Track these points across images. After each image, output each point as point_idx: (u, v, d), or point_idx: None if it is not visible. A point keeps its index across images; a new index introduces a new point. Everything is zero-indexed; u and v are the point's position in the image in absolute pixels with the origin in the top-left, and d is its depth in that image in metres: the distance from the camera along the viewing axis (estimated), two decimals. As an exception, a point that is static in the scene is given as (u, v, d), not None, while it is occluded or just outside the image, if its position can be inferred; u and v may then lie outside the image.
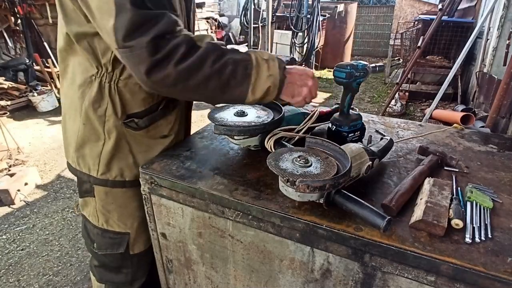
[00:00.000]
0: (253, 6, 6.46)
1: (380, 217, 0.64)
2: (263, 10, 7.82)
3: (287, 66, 0.89)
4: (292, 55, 6.23)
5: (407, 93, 5.31)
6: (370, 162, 0.83)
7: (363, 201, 0.69)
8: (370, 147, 0.88)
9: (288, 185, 0.73)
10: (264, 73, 0.83)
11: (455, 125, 1.24)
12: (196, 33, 0.84)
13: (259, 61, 0.83)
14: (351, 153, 0.80)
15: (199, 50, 0.77)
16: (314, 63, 7.30)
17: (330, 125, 1.04)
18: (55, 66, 5.25)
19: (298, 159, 0.75)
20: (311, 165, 0.75)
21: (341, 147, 0.81)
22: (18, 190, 2.69)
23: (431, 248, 0.64)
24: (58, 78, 4.15)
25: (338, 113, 1.03)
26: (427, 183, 0.81)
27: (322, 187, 0.66)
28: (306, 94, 0.91)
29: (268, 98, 0.87)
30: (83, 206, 1.08)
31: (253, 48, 6.42)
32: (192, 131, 1.23)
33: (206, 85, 0.79)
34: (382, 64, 1.08)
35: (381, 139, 0.99)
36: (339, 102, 1.02)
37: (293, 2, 6.22)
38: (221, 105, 1.02)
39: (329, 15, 7.51)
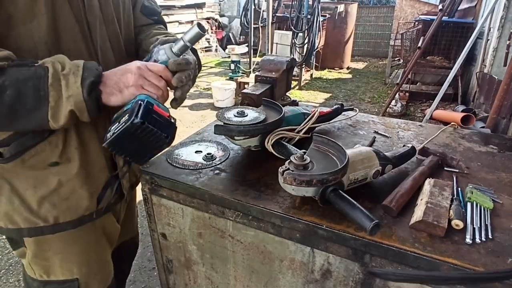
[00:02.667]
0: (253, 7, 6.46)
1: (368, 219, 0.64)
2: (263, 11, 7.83)
3: (104, 73, 0.74)
4: (292, 56, 6.24)
5: (407, 94, 5.31)
6: (380, 167, 0.82)
7: (355, 202, 0.68)
8: (385, 153, 0.87)
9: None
10: (63, 93, 0.67)
11: (452, 123, 1.24)
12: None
13: (57, 77, 0.67)
14: (359, 156, 0.79)
15: None
16: (314, 63, 7.30)
17: None
18: None
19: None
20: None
21: (351, 149, 0.80)
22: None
23: (431, 248, 0.64)
24: None
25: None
26: (428, 184, 0.81)
27: (309, 181, 0.68)
28: (139, 85, 0.75)
29: (82, 119, 0.72)
30: (21, 254, 0.93)
31: (253, 49, 6.43)
32: (192, 131, 1.23)
33: None
34: None
35: (404, 146, 0.98)
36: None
37: (293, 3, 6.22)
38: (224, 105, 1.00)
39: (329, 16, 7.51)
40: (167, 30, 1.11)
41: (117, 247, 1.13)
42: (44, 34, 0.72)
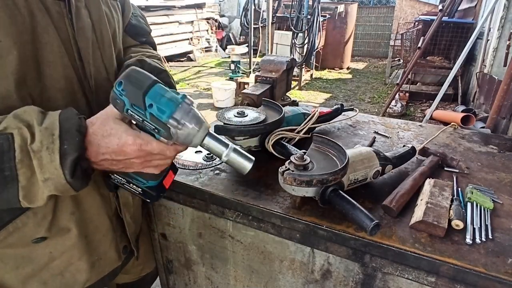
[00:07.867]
0: (253, 7, 6.46)
1: (368, 219, 0.64)
2: (263, 11, 7.84)
3: (90, 132, 0.54)
4: (292, 56, 6.25)
5: (407, 94, 5.31)
6: (380, 168, 0.82)
7: (355, 202, 0.68)
8: (385, 153, 0.87)
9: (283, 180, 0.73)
10: (38, 176, 0.51)
11: (452, 123, 1.24)
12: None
13: (26, 150, 0.50)
14: (359, 156, 0.79)
15: None
16: (314, 63, 7.31)
17: None
18: None
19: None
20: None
21: (351, 149, 0.80)
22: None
23: (432, 249, 0.64)
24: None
25: None
26: (428, 184, 0.81)
27: (309, 181, 0.68)
28: (144, 166, 0.59)
29: (67, 195, 0.58)
30: None
31: (253, 49, 6.42)
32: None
33: None
34: None
35: (404, 146, 0.98)
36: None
37: (293, 3, 6.22)
38: (224, 105, 1.00)
39: (329, 16, 7.51)
40: (155, 50, 0.95)
41: (139, 279, 1.04)
42: (14, 70, 0.54)
